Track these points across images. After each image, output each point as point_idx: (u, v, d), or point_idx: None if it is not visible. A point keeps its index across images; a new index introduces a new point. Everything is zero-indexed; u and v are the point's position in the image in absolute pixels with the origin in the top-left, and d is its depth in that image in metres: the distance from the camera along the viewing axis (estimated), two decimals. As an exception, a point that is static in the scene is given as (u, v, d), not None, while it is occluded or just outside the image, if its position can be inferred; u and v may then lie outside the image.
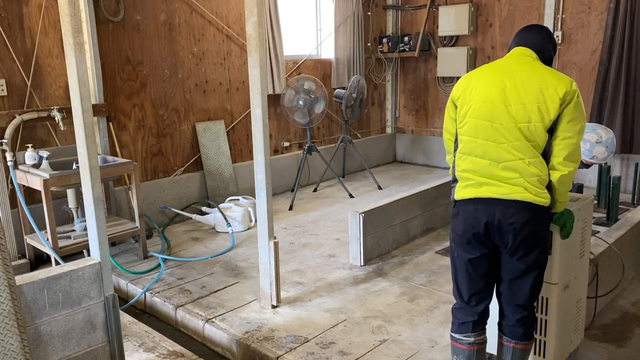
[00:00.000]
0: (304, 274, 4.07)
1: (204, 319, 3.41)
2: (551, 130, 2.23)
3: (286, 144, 6.62)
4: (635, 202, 4.83)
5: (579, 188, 3.92)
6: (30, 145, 4.16)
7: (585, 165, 3.62)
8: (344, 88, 6.67)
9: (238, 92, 5.93)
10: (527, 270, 2.30)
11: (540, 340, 2.61)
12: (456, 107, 2.41)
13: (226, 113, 5.86)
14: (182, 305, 3.60)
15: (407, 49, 7.43)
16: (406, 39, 7.41)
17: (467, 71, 6.79)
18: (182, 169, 5.50)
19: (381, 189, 6.49)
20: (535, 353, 2.62)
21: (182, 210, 5.38)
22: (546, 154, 2.26)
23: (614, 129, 5.55)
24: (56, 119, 4.29)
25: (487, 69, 2.40)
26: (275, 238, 3.43)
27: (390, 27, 7.75)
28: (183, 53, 5.36)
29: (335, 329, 3.24)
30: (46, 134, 4.48)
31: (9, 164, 4.07)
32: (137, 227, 4.39)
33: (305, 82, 6.01)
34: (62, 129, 4.36)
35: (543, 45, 2.39)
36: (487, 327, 2.48)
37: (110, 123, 4.81)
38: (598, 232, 3.74)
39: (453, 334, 2.48)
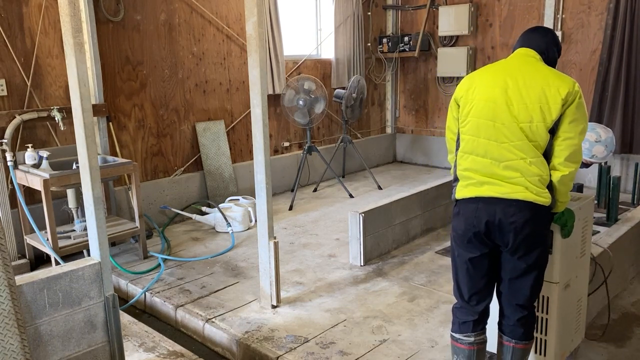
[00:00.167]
0: (304, 274, 4.07)
1: (204, 319, 3.41)
2: (553, 131, 2.23)
3: (286, 144, 6.61)
4: (635, 202, 4.82)
5: (579, 188, 3.92)
6: (30, 145, 4.16)
7: (585, 165, 3.62)
8: (344, 88, 6.67)
9: (238, 92, 5.93)
10: (528, 270, 2.30)
11: (541, 339, 2.62)
12: (459, 106, 2.42)
13: (226, 113, 5.86)
14: (182, 305, 3.60)
15: (407, 49, 7.43)
16: (406, 39, 7.41)
17: (467, 71, 6.82)
18: (182, 169, 5.50)
19: (381, 189, 6.49)
20: (536, 352, 2.63)
21: (182, 210, 5.38)
22: (547, 154, 2.26)
23: (613, 129, 5.55)
24: (56, 119, 4.29)
25: (490, 69, 2.41)
26: (275, 238, 3.43)
27: (390, 27, 7.75)
28: (183, 53, 5.36)
29: (335, 329, 3.24)
30: (46, 134, 4.48)
31: (9, 164, 4.07)
32: (137, 227, 4.39)
33: (305, 82, 6.01)
34: (62, 129, 4.36)
35: (547, 47, 2.40)
36: (487, 326, 2.48)
37: (110, 123, 4.81)
38: (598, 232, 3.74)
39: (453, 334, 2.49)
